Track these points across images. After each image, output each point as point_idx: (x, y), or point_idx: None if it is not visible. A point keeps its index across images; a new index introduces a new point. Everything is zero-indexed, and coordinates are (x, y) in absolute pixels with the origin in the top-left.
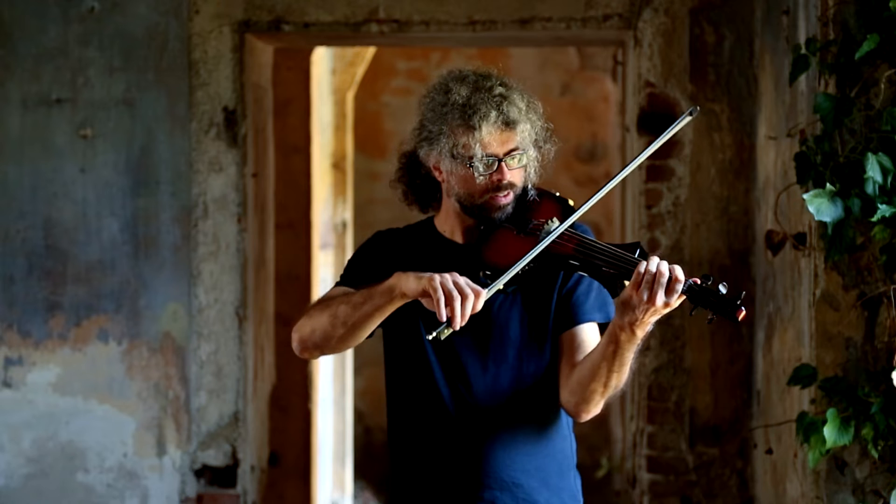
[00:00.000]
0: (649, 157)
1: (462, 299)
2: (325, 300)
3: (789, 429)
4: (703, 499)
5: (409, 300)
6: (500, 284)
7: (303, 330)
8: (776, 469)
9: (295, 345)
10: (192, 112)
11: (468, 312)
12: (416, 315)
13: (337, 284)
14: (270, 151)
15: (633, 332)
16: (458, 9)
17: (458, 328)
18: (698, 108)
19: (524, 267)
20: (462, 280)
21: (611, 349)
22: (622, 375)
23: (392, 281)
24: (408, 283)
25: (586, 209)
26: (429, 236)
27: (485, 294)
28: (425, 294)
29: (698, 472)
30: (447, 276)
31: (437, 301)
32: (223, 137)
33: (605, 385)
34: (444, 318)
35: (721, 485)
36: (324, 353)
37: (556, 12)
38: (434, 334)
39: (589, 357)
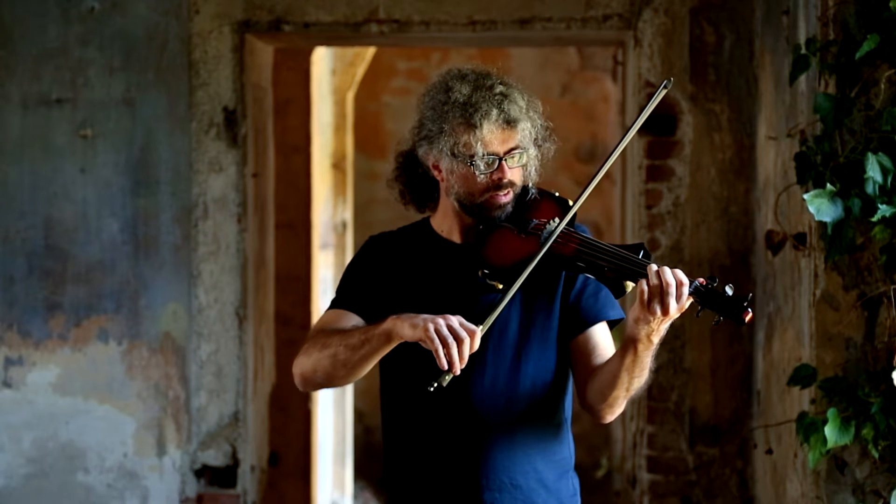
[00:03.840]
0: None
1: (458, 344)
2: (322, 335)
3: (789, 429)
4: (703, 499)
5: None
6: (496, 315)
7: (304, 368)
8: (776, 469)
9: (297, 381)
10: (192, 112)
11: (466, 355)
12: None
13: (333, 303)
14: (270, 151)
15: (650, 342)
16: (458, 9)
17: (458, 373)
18: (672, 79)
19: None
20: (456, 322)
21: (630, 359)
22: (643, 378)
23: (388, 325)
24: (403, 329)
25: (588, 194)
26: (425, 237)
27: (479, 333)
28: (421, 341)
29: (698, 472)
30: (441, 321)
31: (436, 351)
32: (223, 137)
33: (628, 390)
34: (445, 367)
35: (721, 485)
36: (327, 388)
37: (556, 12)
38: (436, 385)
39: (608, 367)
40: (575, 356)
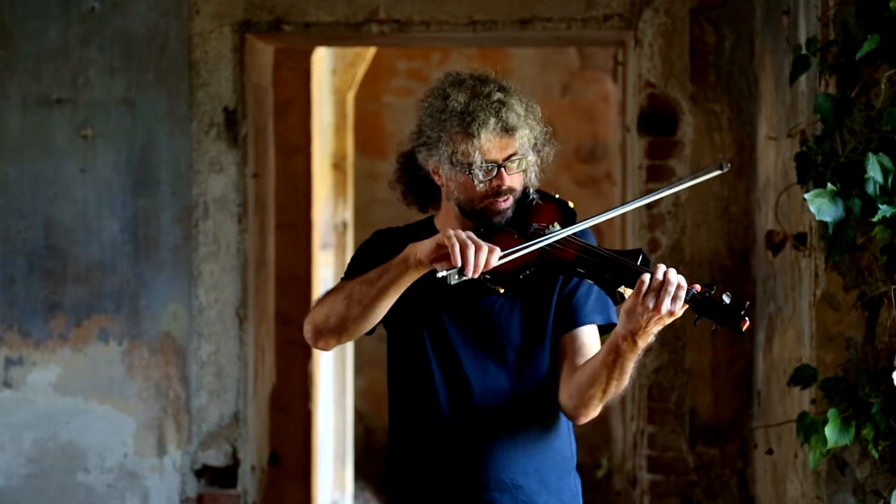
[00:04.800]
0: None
1: (476, 249)
2: (334, 289)
3: (790, 429)
4: (704, 499)
5: (425, 270)
6: (519, 253)
7: (316, 318)
8: (776, 469)
9: (309, 335)
10: (193, 112)
11: (482, 263)
12: (419, 317)
13: (342, 280)
14: (271, 151)
15: (634, 342)
16: (458, 9)
17: (470, 275)
18: (729, 164)
19: (527, 272)
20: (477, 237)
21: (611, 357)
22: (622, 383)
23: (406, 251)
24: (422, 246)
25: (587, 225)
26: (428, 236)
27: (498, 252)
28: (440, 248)
29: (699, 472)
30: (462, 232)
31: (452, 247)
32: (223, 137)
33: (605, 391)
34: (458, 264)
35: (721, 485)
36: (340, 339)
37: (557, 12)
38: (444, 274)
39: (589, 363)
40: (559, 354)
